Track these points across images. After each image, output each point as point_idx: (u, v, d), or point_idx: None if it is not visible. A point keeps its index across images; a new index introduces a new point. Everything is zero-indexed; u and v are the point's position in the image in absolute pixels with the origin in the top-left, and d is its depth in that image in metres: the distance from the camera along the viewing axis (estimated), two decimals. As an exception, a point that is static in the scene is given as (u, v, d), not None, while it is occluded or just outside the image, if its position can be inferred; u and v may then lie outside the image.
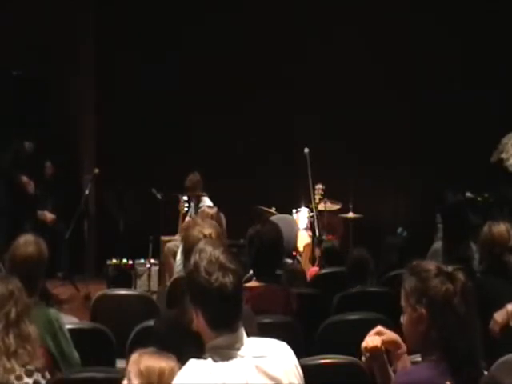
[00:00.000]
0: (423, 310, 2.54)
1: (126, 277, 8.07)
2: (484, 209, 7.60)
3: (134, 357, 2.69)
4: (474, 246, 5.69)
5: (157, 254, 8.42)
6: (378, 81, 9.62)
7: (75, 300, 7.98)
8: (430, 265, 2.61)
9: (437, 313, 2.52)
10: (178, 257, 5.83)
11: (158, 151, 9.60)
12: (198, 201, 8.48)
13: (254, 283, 4.11)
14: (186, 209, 8.75)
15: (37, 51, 9.19)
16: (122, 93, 9.65)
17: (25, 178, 8.69)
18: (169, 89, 9.64)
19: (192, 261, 2.39)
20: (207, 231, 3.19)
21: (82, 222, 8.62)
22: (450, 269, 2.59)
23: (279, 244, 4.31)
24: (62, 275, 8.65)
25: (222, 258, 2.37)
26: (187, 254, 3.18)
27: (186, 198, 8.71)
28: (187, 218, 8.50)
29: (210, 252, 2.39)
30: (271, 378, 2.37)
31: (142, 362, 2.73)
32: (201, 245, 2.49)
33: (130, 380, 2.75)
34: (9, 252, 3.86)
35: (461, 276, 2.56)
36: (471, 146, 9.10)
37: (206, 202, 8.22)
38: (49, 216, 8.78)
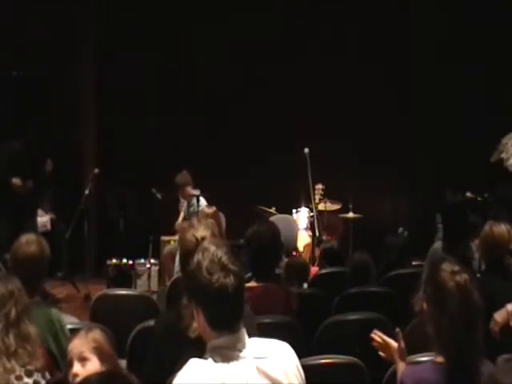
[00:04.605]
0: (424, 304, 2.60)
1: (125, 277, 8.07)
2: (484, 209, 7.59)
3: (77, 341, 2.83)
4: (473, 246, 5.69)
5: (157, 254, 8.42)
6: (378, 81, 9.62)
7: (75, 300, 7.98)
8: (446, 264, 2.65)
9: (433, 308, 2.55)
10: (178, 257, 5.82)
11: (158, 151, 9.60)
12: (191, 200, 8.36)
13: (253, 283, 4.11)
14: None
15: (37, 51, 9.19)
16: (122, 93, 9.64)
17: (17, 181, 8.63)
18: (169, 88, 9.64)
19: (195, 259, 2.39)
20: (201, 234, 3.16)
21: (82, 222, 8.62)
22: (456, 268, 2.62)
23: (277, 243, 4.30)
24: (61, 275, 8.66)
25: (225, 258, 2.37)
26: (182, 258, 3.17)
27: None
28: (180, 217, 8.50)
29: (212, 252, 2.38)
30: (272, 379, 2.37)
31: (91, 339, 2.84)
32: (205, 244, 2.50)
33: (84, 361, 2.82)
34: (11, 251, 3.86)
35: (464, 276, 2.58)
36: (471, 145, 9.10)
37: (201, 201, 8.17)
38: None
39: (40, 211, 8.97)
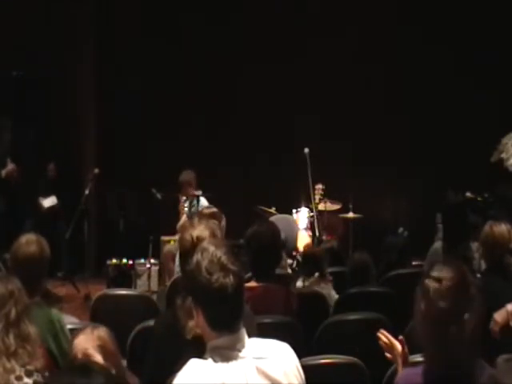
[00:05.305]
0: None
1: (125, 277, 8.07)
2: (484, 209, 7.59)
3: (83, 337, 2.84)
4: (473, 246, 5.69)
5: (157, 254, 8.42)
6: (378, 81, 9.62)
7: (75, 300, 7.98)
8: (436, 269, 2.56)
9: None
10: (178, 257, 5.82)
11: (159, 151, 9.60)
12: (192, 200, 8.35)
13: (253, 283, 4.11)
14: (186, 209, 8.74)
15: (37, 51, 9.19)
16: (122, 93, 9.64)
17: (11, 167, 8.65)
18: (169, 89, 9.64)
19: (194, 259, 2.39)
20: (197, 234, 3.16)
21: (82, 222, 8.62)
22: (437, 273, 2.48)
23: (277, 243, 4.31)
24: (62, 275, 8.67)
25: (224, 258, 2.36)
26: (181, 257, 3.17)
27: (185, 197, 8.70)
28: (183, 218, 8.49)
29: (212, 252, 2.38)
30: (271, 379, 2.36)
31: (96, 337, 2.85)
32: (204, 244, 2.49)
33: (88, 357, 2.82)
34: (11, 251, 3.86)
35: (432, 284, 2.45)
36: (471, 145, 9.10)
37: (202, 201, 8.16)
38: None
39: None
